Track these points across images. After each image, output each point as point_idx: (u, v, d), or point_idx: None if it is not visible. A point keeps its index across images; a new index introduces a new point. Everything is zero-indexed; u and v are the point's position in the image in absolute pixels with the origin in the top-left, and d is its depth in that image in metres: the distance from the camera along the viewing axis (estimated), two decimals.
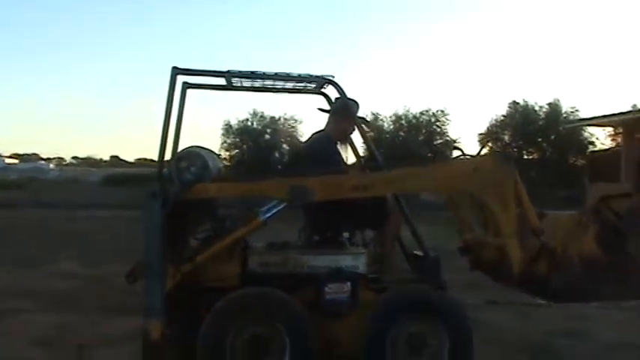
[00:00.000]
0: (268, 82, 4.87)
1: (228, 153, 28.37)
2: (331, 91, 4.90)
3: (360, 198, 4.49)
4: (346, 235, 4.90)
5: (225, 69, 4.65)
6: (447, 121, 27.11)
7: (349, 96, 4.68)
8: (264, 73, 4.64)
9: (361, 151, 5.36)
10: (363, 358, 4.31)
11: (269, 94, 5.14)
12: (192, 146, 4.63)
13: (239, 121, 28.57)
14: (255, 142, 28.13)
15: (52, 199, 25.47)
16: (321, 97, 5.09)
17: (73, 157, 69.13)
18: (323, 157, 4.70)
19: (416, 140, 26.36)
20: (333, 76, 4.57)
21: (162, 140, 4.41)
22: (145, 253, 4.21)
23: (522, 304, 7.17)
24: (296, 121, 28.67)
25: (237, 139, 28.71)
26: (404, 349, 4.36)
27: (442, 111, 27.19)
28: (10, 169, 45.34)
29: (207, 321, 4.20)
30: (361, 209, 4.63)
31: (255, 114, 28.59)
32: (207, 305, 4.27)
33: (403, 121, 27.15)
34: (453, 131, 27.61)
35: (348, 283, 4.38)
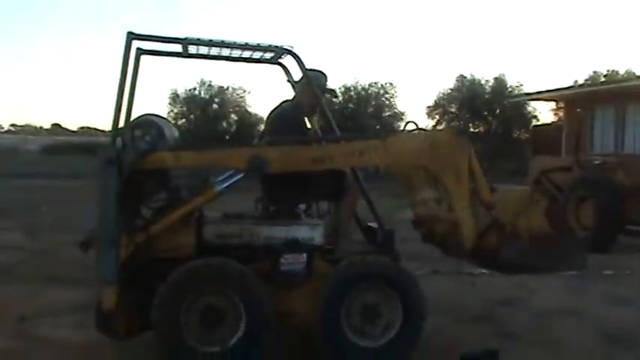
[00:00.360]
0: (225, 51, 4.80)
1: (175, 122, 27.88)
2: (288, 62, 4.86)
3: (319, 170, 4.51)
4: (303, 206, 4.90)
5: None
6: (395, 94, 27.33)
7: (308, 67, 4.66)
8: (222, 41, 4.56)
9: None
10: (317, 328, 4.36)
11: (225, 62, 5.06)
12: (147, 114, 4.53)
13: (186, 90, 28.05)
14: (202, 112, 27.73)
15: None
16: (279, 68, 5.04)
17: (11, 125, 66.53)
18: (292, 127, 4.66)
19: (365, 112, 26.44)
20: (292, 47, 4.53)
21: (116, 107, 4.29)
22: (99, 221, 4.13)
23: (466, 274, 7.41)
24: (244, 91, 28.35)
25: (185, 108, 28.24)
26: (358, 320, 4.43)
27: (390, 83, 27.40)
28: None
29: (161, 291, 4.16)
30: (320, 181, 4.64)
31: (203, 83, 28.12)
32: (162, 275, 4.23)
33: (352, 93, 27.15)
34: (401, 104, 27.88)
35: (304, 254, 4.40)
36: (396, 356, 4.45)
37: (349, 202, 4.85)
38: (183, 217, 4.33)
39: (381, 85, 27.32)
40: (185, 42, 4.56)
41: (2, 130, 58.48)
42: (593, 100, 20.44)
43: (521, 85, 26.67)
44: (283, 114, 4.84)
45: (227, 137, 26.62)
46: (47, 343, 4.97)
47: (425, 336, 5.16)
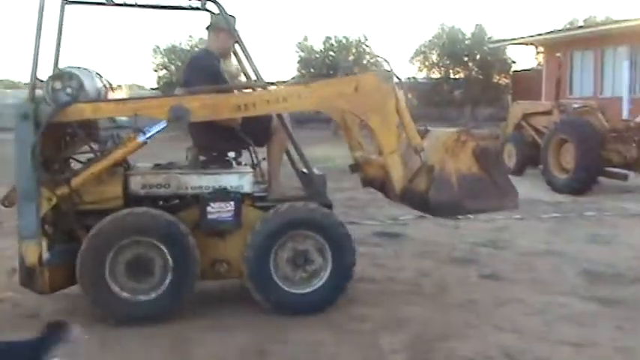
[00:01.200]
0: None
1: (156, 74, 27.80)
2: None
3: (243, 117, 4.48)
4: (232, 154, 4.88)
5: None
6: (368, 46, 27.25)
7: (230, 12, 4.60)
8: None
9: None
10: (246, 275, 4.39)
11: (154, 10, 4.96)
12: (68, 66, 4.47)
13: (170, 43, 27.89)
14: (183, 63, 27.45)
15: None
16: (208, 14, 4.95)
17: None
18: (205, 74, 4.60)
19: (346, 59, 26.20)
20: None
21: (34, 59, 4.22)
22: (17, 176, 4.11)
23: (451, 218, 7.36)
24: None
25: (165, 59, 28.01)
26: (287, 267, 4.47)
27: (364, 36, 27.29)
28: None
29: (85, 243, 4.17)
30: (243, 127, 4.62)
31: (187, 35, 28.01)
32: (87, 227, 4.24)
33: (333, 41, 26.91)
34: (383, 52, 27.67)
35: (232, 203, 4.40)
36: (326, 301, 4.51)
37: (276, 148, 4.83)
38: (107, 168, 4.31)
39: (364, 37, 27.12)
40: None
41: None
42: (573, 44, 20.37)
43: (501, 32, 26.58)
44: (195, 62, 4.80)
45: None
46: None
47: (411, 278, 5.41)
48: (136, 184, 4.43)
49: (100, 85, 4.59)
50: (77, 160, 4.61)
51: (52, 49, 4.69)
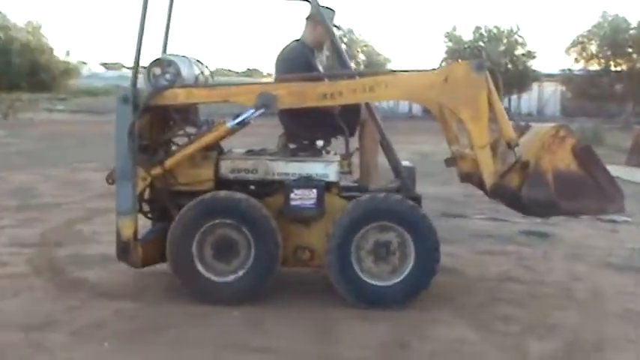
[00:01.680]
0: None
1: None
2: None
3: (332, 106, 4.49)
4: (321, 143, 4.91)
5: None
6: (521, 37, 26.01)
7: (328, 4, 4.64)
8: None
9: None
10: (328, 264, 4.41)
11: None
12: (169, 54, 4.72)
13: None
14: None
15: None
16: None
17: (102, 64, 68.55)
18: (298, 64, 4.66)
19: (495, 50, 25.30)
20: None
21: (137, 46, 4.49)
22: (116, 155, 4.41)
23: (607, 220, 7.10)
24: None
25: None
26: (368, 257, 4.42)
27: (517, 26, 26.06)
28: (97, 77, 47.11)
29: (175, 222, 4.39)
30: (332, 117, 4.62)
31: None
32: (180, 207, 4.46)
33: (483, 31, 26.05)
34: (536, 42, 26.44)
35: (314, 190, 4.43)
36: (407, 295, 4.42)
37: (369, 138, 4.80)
38: (198, 151, 4.51)
39: (516, 26, 25.99)
40: None
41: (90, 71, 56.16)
42: None
43: None
44: (289, 52, 4.83)
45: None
46: None
47: (561, 282, 5.16)
48: (226, 168, 4.60)
49: (197, 72, 4.80)
50: (176, 144, 4.86)
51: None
